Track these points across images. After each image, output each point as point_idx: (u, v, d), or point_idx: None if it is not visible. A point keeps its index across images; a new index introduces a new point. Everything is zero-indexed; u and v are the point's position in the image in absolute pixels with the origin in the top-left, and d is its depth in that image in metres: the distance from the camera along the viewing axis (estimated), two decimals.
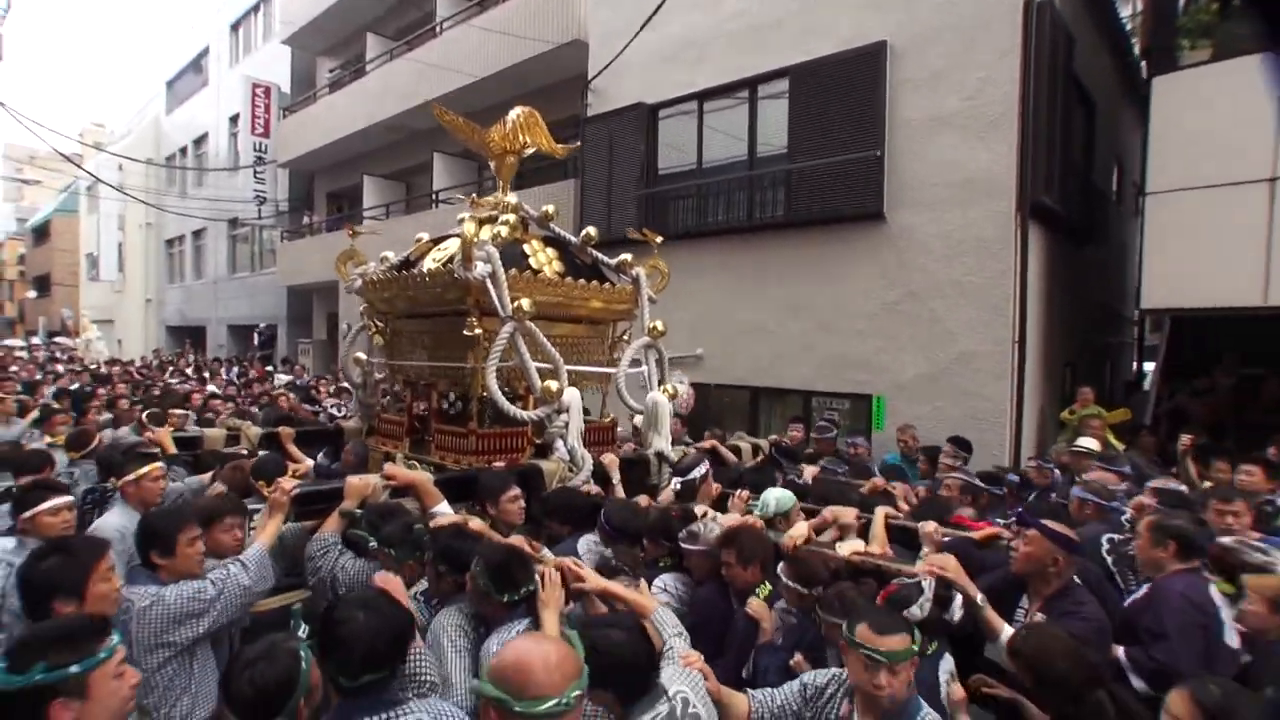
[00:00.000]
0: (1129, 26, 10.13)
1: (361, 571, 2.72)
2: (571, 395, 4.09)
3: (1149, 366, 10.46)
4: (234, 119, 19.60)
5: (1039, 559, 2.59)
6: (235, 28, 21.23)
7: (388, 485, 3.19)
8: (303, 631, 2.25)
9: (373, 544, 2.70)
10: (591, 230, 4.93)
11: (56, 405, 7.37)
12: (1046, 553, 2.57)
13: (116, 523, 3.09)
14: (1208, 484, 4.47)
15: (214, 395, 9.35)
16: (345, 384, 7.48)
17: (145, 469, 3.25)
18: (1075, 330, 8.28)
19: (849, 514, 3.24)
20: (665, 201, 9.02)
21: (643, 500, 3.68)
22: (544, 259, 4.57)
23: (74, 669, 1.47)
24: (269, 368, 16.24)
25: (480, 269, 3.88)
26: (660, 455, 4.45)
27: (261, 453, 4.31)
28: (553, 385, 4.01)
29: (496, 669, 1.40)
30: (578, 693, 1.38)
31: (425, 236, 5.07)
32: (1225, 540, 2.90)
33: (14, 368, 13.78)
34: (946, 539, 3.05)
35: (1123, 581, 3.19)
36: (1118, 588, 3.15)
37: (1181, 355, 7.89)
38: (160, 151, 24.44)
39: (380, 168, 15.55)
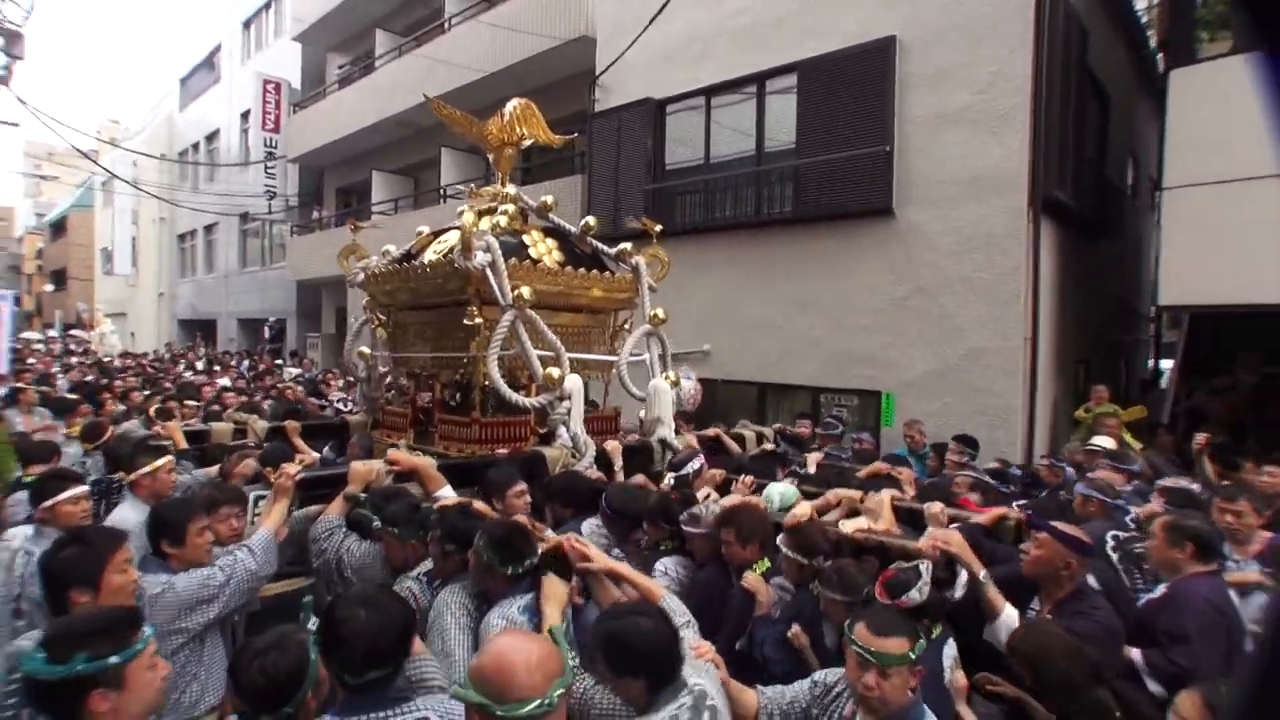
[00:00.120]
0: (1145, 19, 9.97)
1: (367, 554, 2.76)
2: (573, 382, 4.09)
3: (1165, 364, 10.29)
4: (245, 115, 19.71)
5: (1050, 562, 2.51)
6: (247, 25, 21.37)
7: (391, 470, 3.22)
8: (312, 624, 2.26)
9: (377, 524, 2.74)
10: (590, 220, 4.93)
11: (74, 397, 7.48)
12: (1058, 556, 2.50)
13: (135, 517, 3.10)
14: (1227, 484, 4.38)
15: (226, 389, 9.44)
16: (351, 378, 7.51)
17: (159, 462, 3.26)
18: (1089, 326, 8.17)
19: (853, 494, 3.23)
20: (672, 197, 8.98)
21: (639, 479, 3.69)
22: (544, 249, 4.57)
23: (113, 659, 1.49)
24: (278, 361, 16.36)
25: (480, 258, 3.88)
26: (664, 443, 4.45)
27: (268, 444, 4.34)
28: (554, 372, 4.01)
29: (476, 672, 1.37)
30: (560, 691, 1.35)
31: (426, 230, 5.07)
32: None
33: (31, 360, 13.98)
34: (955, 524, 3.01)
35: (1128, 580, 3.14)
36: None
37: (1200, 352, 7.75)
38: (173, 147, 24.66)
39: (389, 163, 15.61)
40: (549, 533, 2.63)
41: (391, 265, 4.73)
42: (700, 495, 3.11)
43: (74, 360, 15.58)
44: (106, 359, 16.61)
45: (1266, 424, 6.45)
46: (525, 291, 3.95)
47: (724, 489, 3.68)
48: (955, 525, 3.00)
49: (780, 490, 3.32)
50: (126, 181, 19.28)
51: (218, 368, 14.42)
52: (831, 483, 3.51)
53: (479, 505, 2.86)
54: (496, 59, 11.17)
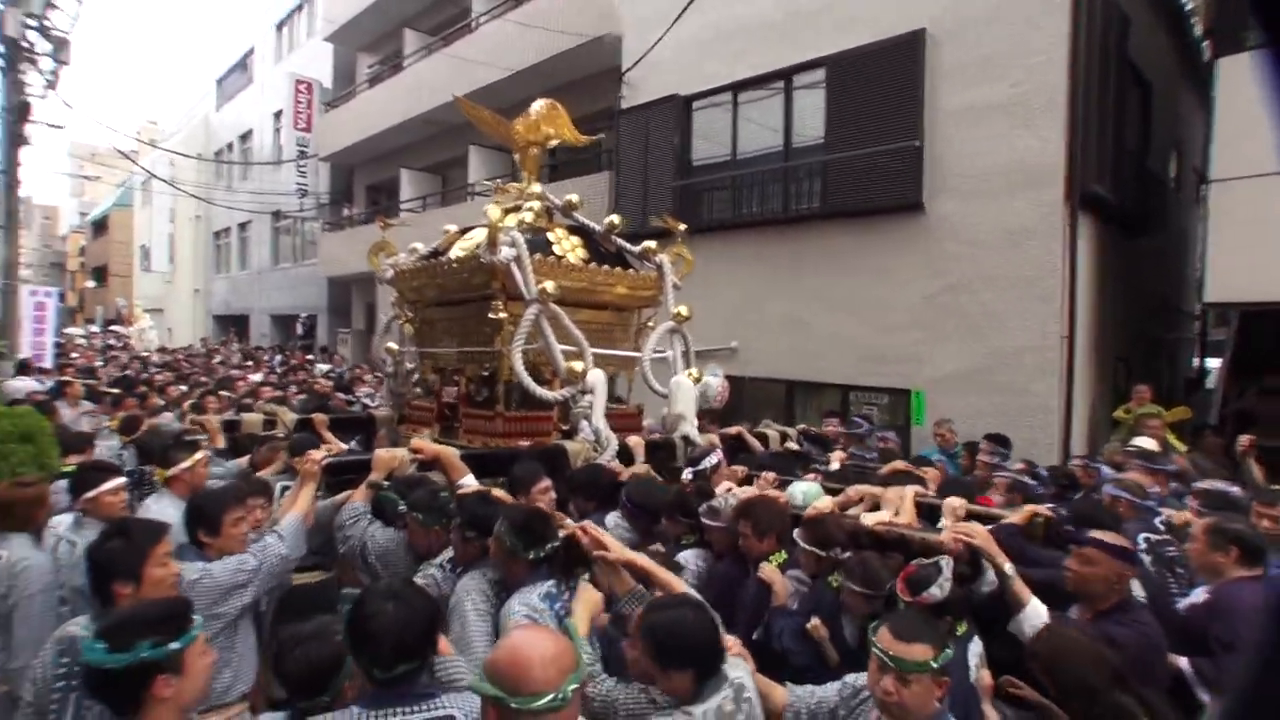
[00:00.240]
0: (1189, 5, 9.62)
1: (391, 540, 2.82)
2: (596, 376, 4.10)
3: (1212, 363, 9.88)
4: (278, 115, 20.09)
5: (1104, 579, 2.35)
6: (280, 27, 21.79)
7: (415, 458, 3.27)
8: None
9: (402, 507, 2.79)
10: (615, 218, 4.93)
11: (118, 391, 7.70)
12: (1111, 571, 2.34)
13: (170, 511, 3.15)
14: (1276, 488, 4.20)
15: (262, 383, 9.63)
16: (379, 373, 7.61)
17: (197, 457, 3.33)
18: (1129, 324, 7.92)
19: (875, 490, 3.19)
20: (700, 193, 8.92)
21: (642, 468, 3.71)
22: (568, 246, 4.58)
23: (174, 645, 1.55)
24: (309, 356, 16.67)
25: (505, 253, 3.91)
26: (686, 439, 4.43)
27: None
28: (577, 366, 4.02)
29: (492, 666, 1.37)
30: (574, 686, 1.35)
31: (453, 228, 5.12)
32: None
33: (74, 354, 14.45)
34: (989, 527, 2.92)
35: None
36: None
37: (1252, 351, 7.44)
38: (209, 147, 25.25)
39: (417, 161, 15.78)
40: (569, 522, 2.63)
41: (419, 262, 4.78)
42: (721, 489, 3.08)
43: (113, 354, 16.05)
44: (145, 353, 17.09)
45: None
46: (549, 286, 3.96)
47: (745, 486, 3.66)
48: (990, 527, 2.91)
49: (804, 489, 3.27)
50: (164, 181, 19.79)
51: (250, 362, 14.74)
52: (852, 480, 3.45)
53: (498, 493, 2.88)
54: (524, 57, 11.21)
